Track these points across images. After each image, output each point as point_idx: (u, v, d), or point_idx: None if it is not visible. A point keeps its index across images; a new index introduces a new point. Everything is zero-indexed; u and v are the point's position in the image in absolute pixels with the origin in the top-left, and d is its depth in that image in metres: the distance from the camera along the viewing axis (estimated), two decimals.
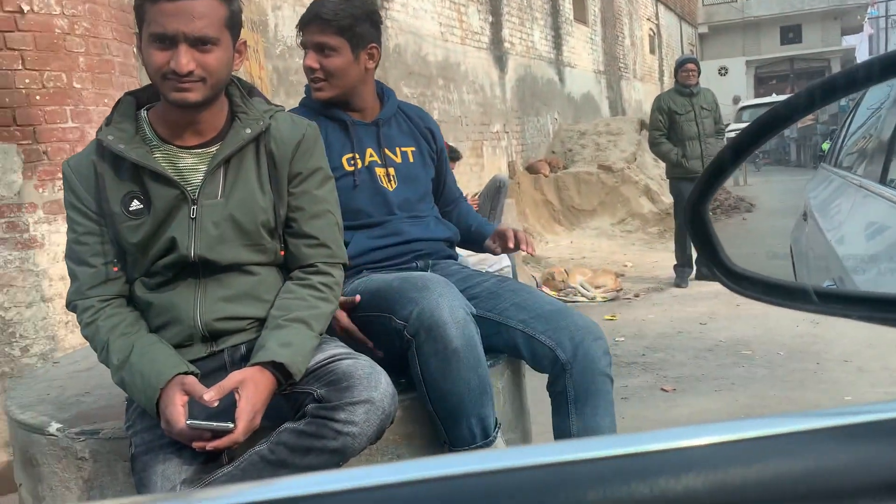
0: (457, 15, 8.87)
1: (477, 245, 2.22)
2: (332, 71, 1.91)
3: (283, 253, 1.56)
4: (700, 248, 0.70)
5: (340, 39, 1.89)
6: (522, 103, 10.70)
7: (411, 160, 2.05)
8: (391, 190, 1.98)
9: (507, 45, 10.26)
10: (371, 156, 1.98)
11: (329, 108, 1.97)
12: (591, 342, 1.76)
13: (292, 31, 6.97)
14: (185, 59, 1.36)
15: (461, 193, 2.34)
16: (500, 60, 10.04)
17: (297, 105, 2.08)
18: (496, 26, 9.96)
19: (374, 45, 1.95)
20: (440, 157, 2.16)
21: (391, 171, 1.99)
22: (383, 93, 2.09)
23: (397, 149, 2.03)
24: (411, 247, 1.97)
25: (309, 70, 1.92)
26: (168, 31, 1.36)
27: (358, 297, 1.78)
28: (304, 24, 1.91)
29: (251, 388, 1.34)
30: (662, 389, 3.70)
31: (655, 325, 4.98)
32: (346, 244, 1.87)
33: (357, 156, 1.96)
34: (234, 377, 1.36)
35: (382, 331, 1.68)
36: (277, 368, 1.39)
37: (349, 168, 1.95)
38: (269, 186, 1.51)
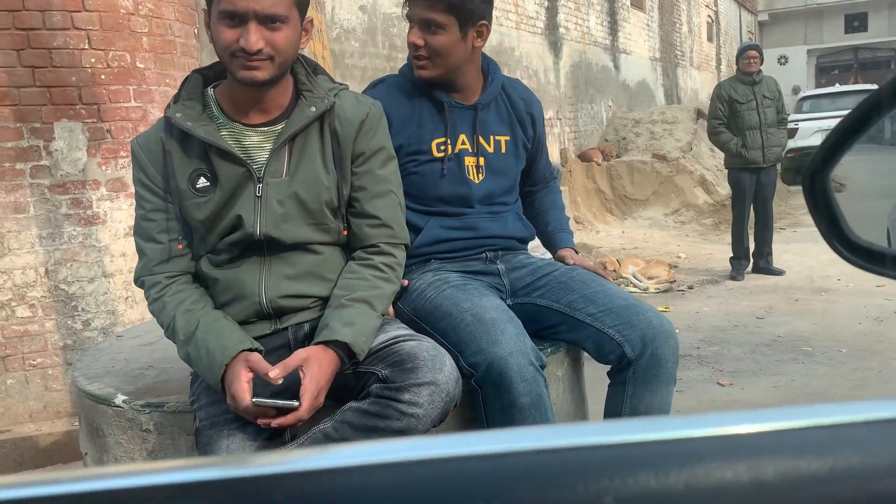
0: None
1: (544, 243, 2.13)
2: (437, 49, 1.78)
3: (345, 233, 1.56)
4: (819, 219, 0.65)
5: (449, 16, 1.75)
6: (576, 90, 10.57)
7: (503, 151, 1.93)
8: (476, 182, 1.88)
9: (562, 30, 10.13)
10: (463, 143, 1.87)
11: (428, 84, 1.86)
12: (662, 342, 1.69)
13: (349, 14, 6.96)
14: (255, 38, 1.36)
15: (553, 175, 2.19)
16: (555, 46, 9.92)
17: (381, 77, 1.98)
18: (552, 11, 9.84)
19: (484, 21, 1.81)
20: (536, 143, 2.04)
21: (481, 161, 1.89)
22: (488, 69, 1.94)
23: (491, 137, 1.91)
24: (484, 241, 1.91)
25: (413, 47, 1.80)
26: (238, 9, 1.35)
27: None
28: None
29: (315, 367, 1.34)
30: (719, 384, 3.62)
31: (710, 318, 4.88)
32: (419, 229, 1.85)
33: (449, 141, 1.85)
34: (299, 355, 1.36)
35: None
36: (341, 348, 1.38)
37: (438, 154, 1.85)
38: (332, 165, 1.51)
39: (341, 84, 1.59)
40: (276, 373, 1.32)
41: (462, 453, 0.34)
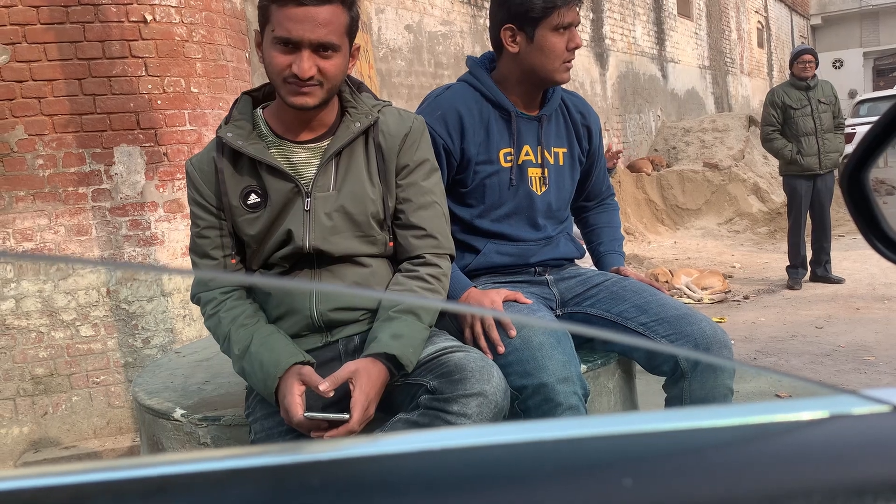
0: None
1: (595, 262, 2.10)
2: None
3: (391, 244, 1.58)
4: (859, 219, 0.65)
5: None
6: (624, 100, 10.50)
7: (561, 163, 1.92)
8: (539, 194, 1.88)
9: (608, 41, 10.08)
10: (527, 154, 1.86)
11: (495, 93, 1.84)
12: (717, 353, 1.66)
13: (395, 34, 7.07)
14: (308, 65, 1.40)
15: (610, 192, 2.15)
16: (601, 57, 9.88)
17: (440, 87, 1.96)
18: (597, 23, 9.81)
19: None
20: (591, 156, 2.02)
21: (545, 172, 1.88)
22: None
23: (553, 149, 1.91)
24: (533, 264, 1.91)
25: (572, 50, 1.79)
26: (293, 37, 1.39)
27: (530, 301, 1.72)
28: (569, 1, 1.75)
29: (364, 379, 1.36)
30: (777, 396, 3.54)
31: (767, 329, 4.77)
32: (476, 251, 1.86)
33: (514, 152, 1.85)
34: (348, 368, 1.38)
35: None
36: (389, 360, 1.40)
37: (506, 164, 1.84)
38: (377, 178, 1.54)
39: (384, 101, 1.63)
40: (326, 386, 1.34)
41: (492, 442, 0.36)
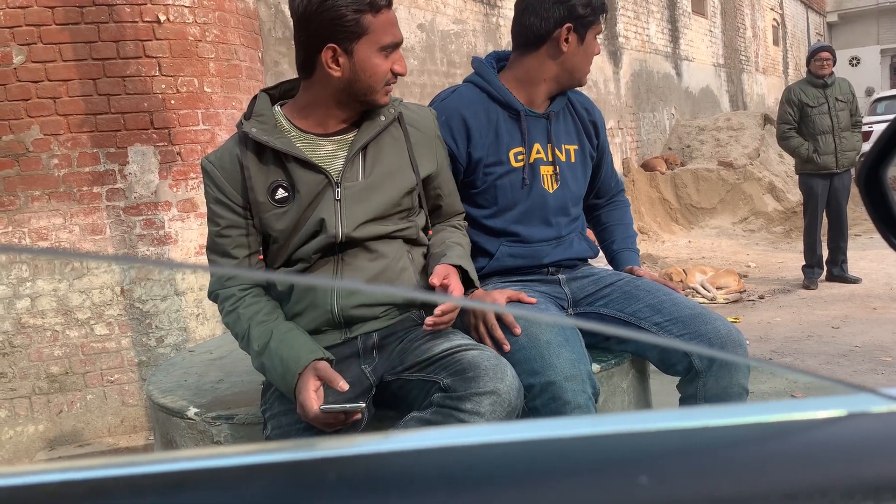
0: None
1: (609, 261, 2.09)
2: None
3: (419, 230, 1.64)
4: (876, 217, 0.64)
5: None
6: (637, 99, 10.45)
7: (573, 160, 1.92)
8: (551, 192, 1.87)
9: (621, 39, 10.04)
10: (538, 152, 1.85)
11: (503, 93, 1.84)
12: (732, 352, 1.64)
13: (408, 33, 7.04)
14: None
15: (620, 188, 2.15)
16: (615, 55, 9.84)
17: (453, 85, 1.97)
18: (610, 21, 9.77)
19: None
20: (599, 152, 2.01)
21: (557, 169, 1.87)
22: None
23: (563, 146, 1.90)
24: (547, 265, 1.90)
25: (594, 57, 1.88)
26: (399, 39, 1.50)
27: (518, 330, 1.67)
28: (605, 10, 1.85)
29: (454, 276, 1.51)
30: (793, 396, 3.51)
31: (782, 329, 4.73)
32: (490, 254, 1.87)
33: (525, 151, 1.84)
34: (440, 269, 1.52)
35: None
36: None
37: (517, 164, 1.83)
38: (404, 168, 1.59)
39: (395, 97, 1.66)
40: (344, 383, 1.35)
41: (506, 439, 0.35)
